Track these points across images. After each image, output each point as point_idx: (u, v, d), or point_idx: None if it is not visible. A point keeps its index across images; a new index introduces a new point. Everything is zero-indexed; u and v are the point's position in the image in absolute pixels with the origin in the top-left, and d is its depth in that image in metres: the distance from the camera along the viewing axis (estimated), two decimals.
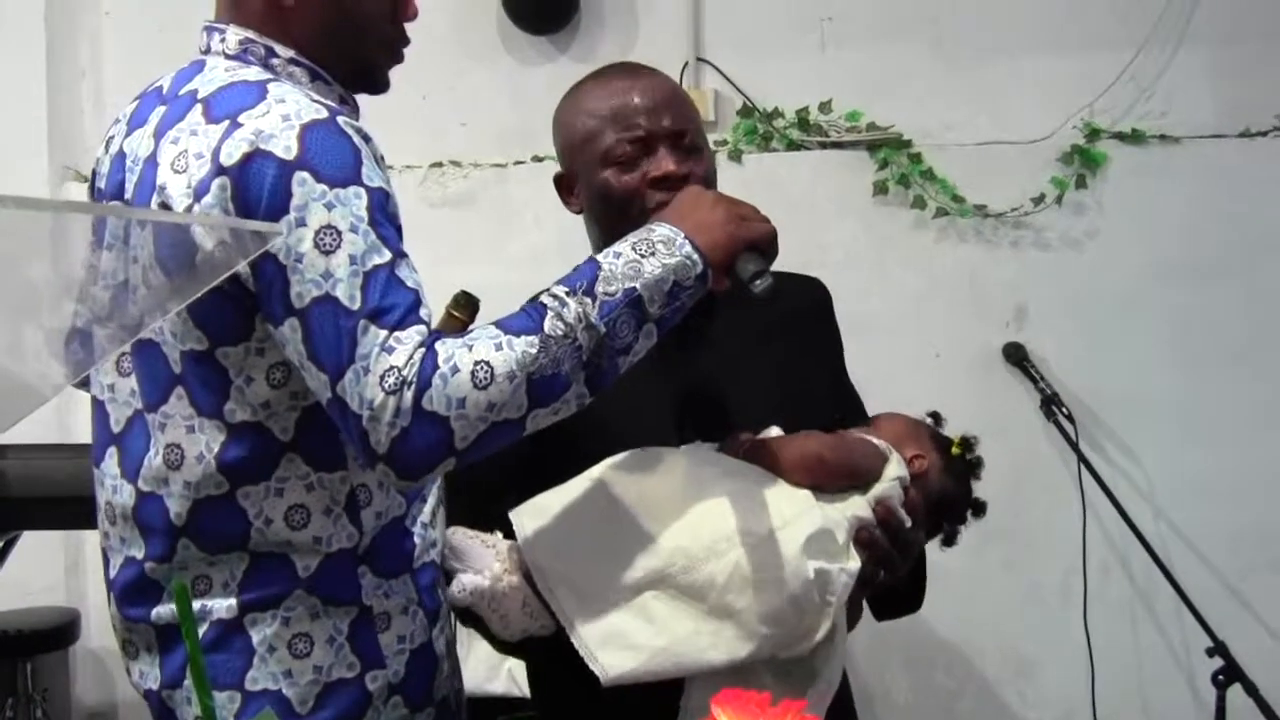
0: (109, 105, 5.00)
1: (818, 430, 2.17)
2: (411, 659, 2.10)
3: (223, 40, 2.09)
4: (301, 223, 1.84)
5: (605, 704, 2.02)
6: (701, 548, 1.96)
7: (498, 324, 1.85)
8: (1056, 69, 4.47)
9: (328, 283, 1.82)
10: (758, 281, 1.95)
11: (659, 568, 1.95)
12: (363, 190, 1.88)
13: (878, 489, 2.08)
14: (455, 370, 1.77)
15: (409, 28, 2.21)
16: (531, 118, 4.56)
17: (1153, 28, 4.39)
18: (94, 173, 2.18)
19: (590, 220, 2.27)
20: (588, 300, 1.85)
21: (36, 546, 4.28)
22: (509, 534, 2.06)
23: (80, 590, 4.98)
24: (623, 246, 1.92)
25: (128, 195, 2.03)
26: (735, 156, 4.58)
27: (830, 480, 2.06)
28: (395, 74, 2.26)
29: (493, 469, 2.19)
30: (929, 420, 2.29)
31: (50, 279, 1.27)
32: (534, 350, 1.80)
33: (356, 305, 1.81)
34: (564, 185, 2.34)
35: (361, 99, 2.24)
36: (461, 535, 2.03)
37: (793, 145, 4.63)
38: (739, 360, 2.29)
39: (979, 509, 2.27)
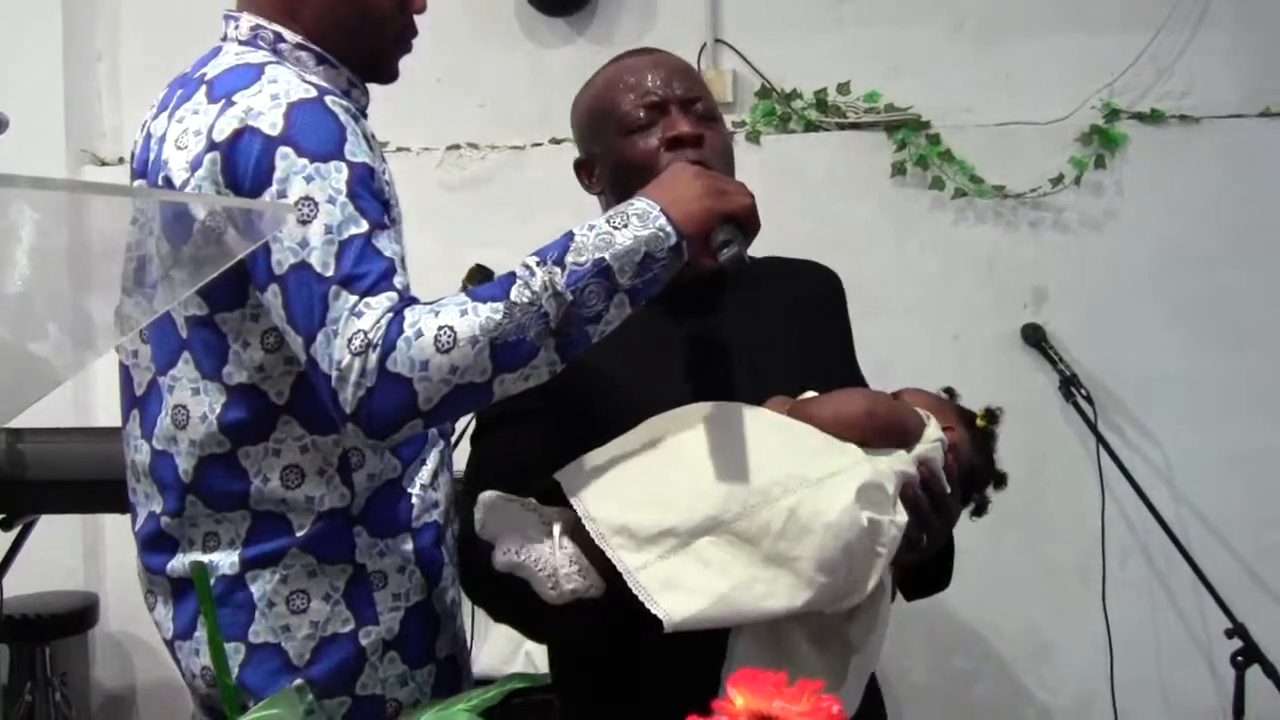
0: (126, 88, 5.03)
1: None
2: (407, 616, 2.18)
3: (237, 27, 2.20)
4: (283, 194, 1.93)
5: (629, 692, 2.02)
6: (755, 493, 1.95)
7: (468, 292, 1.91)
8: (1075, 49, 4.46)
9: (304, 250, 1.91)
10: (725, 251, 1.96)
11: (713, 514, 1.94)
12: (344, 165, 1.96)
13: (921, 449, 2.08)
14: (420, 334, 1.84)
15: (423, 15, 2.25)
16: (549, 100, 4.57)
17: (1172, 7, 4.38)
18: (132, 154, 2.26)
19: (611, 197, 2.28)
20: (556, 269, 1.89)
21: (55, 531, 4.29)
22: (545, 504, 2.05)
23: (99, 574, 4.99)
24: (599, 219, 1.96)
25: (148, 174, 2.14)
26: (754, 138, 4.57)
27: (876, 436, 2.06)
28: (414, 57, 2.30)
29: (515, 453, 2.19)
30: (945, 396, 2.29)
31: (65, 261, 1.28)
32: (498, 316, 1.86)
33: (330, 272, 1.90)
34: (584, 169, 2.37)
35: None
36: (499, 499, 2.01)
37: (811, 126, 4.63)
38: (758, 336, 2.29)
39: (1001, 480, 2.27)
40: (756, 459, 1.99)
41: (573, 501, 1.98)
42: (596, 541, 1.95)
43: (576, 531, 1.98)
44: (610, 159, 2.28)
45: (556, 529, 1.99)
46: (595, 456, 2.03)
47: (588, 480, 2.00)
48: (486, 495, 2.01)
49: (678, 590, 1.91)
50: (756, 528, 1.94)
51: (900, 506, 2.02)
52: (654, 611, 1.89)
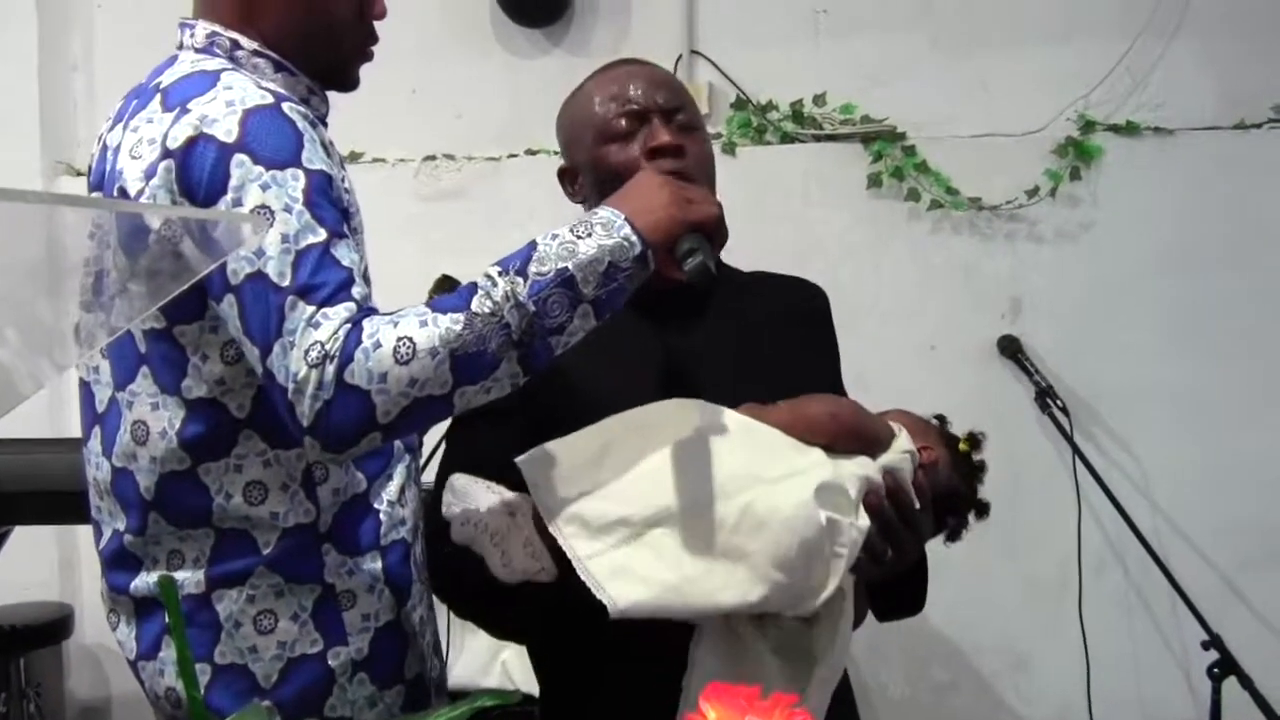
0: (101, 98, 5.01)
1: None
2: (377, 636, 2.14)
3: (192, 35, 2.16)
4: (238, 203, 1.89)
5: (609, 688, 2.02)
6: (712, 488, 1.94)
7: (429, 303, 1.87)
8: (1051, 61, 4.47)
9: (260, 260, 1.86)
10: (689, 261, 1.92)
11: (668, 505, 1.93)
12: (301, 172, 1.92)
13: (888, 458, 2.07)
14: (378, 345, 1.79)
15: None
16: (525, 111, 4.57)
17: (1148, 19, 4.39)
18: (89, 168, 2.22)
19: (593, 206, 2.26)
20: (519, 280, 1.85)
21: (30, 542, 4.28)
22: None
23: (74, 585, 4.98)
24: (562, 229, 1.92)
25: (104, 186, 2.09)
26: (729, 149, 4.57)
27: (840, 439, 2.05)
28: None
29: (487, 453, 2.18)
30: (935, 421, 2.28)
31: (34, 272, 1.27)
32: (458, 327, 1.81)
33: (286, 282, 1.85)
34: (567, 178, 2.34)
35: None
36: (464, 479, 2.01)
37: (787, 138, 4.63)
38: (738, 349, 2.29)
39: (982, 510, 2.26)
40: (716, 456, 1.98)
41: (530, 486, 1.97)
42: (549, 528, 1.94)
43: (536, 516, 1.97)
44: (591, 167, 2.26)
45: (517, 510, 1.99)
46: (557, 445, 2.02)
47: (546, 467, 1.99)
48: (454, 477, 2.01)
49: (627, 578, 1.89)
50: (711, 521, 1.93)
51: (863, 512, 2.01)
52: (600, 598, 1.88)
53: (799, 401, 2.12)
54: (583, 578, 1.90)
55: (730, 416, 2.06)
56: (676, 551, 1.92)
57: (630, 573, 1.90)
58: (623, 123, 2.22)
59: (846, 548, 1.98)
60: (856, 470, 2.03)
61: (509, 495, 2.01)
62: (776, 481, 1.96)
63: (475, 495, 2.01)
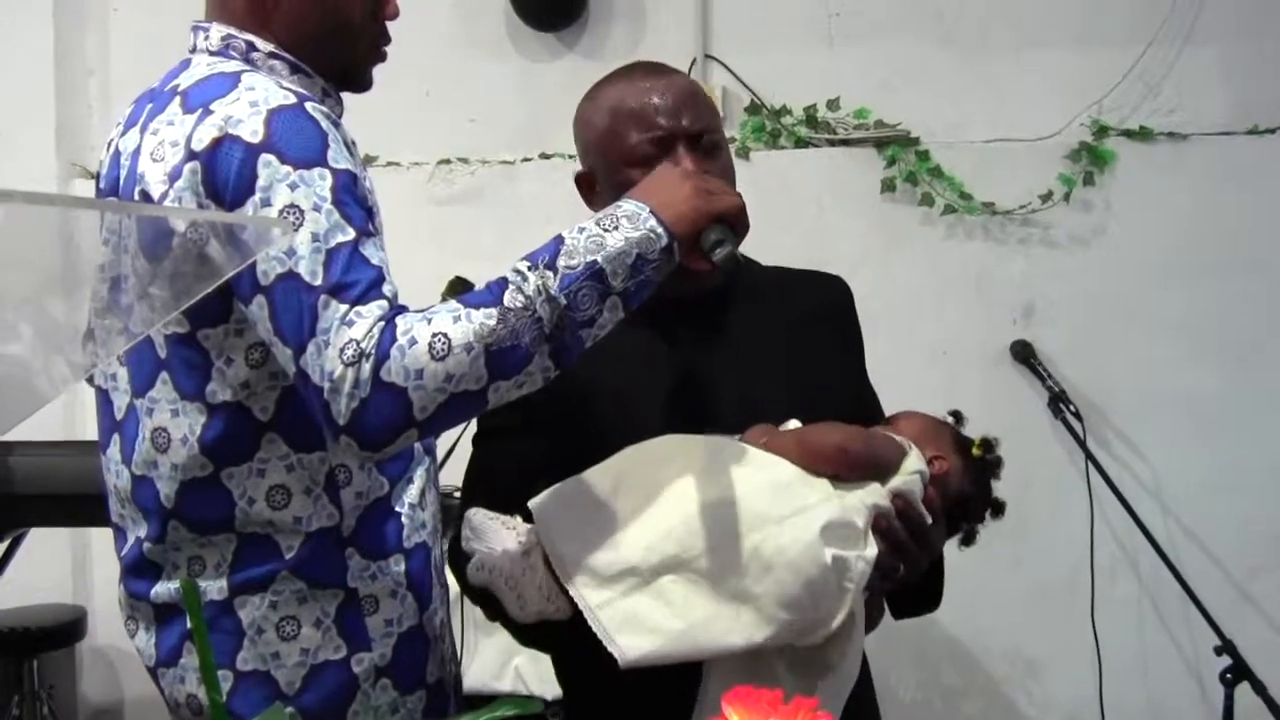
0: (116, 103, 5.01)
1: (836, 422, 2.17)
2: (400, 642, 2.14)
3: (206, 38, 2.15)
4: (267, 203, 1.88)
5: (629, 695, 2.02)
6: (719, 531, 1.95)
7: (460, 299, 1.86)
8: (1064, 66, 4.47)
9: (291, 260, 1.86)
10: (718, 250, 1.94)
11: (676, 552, 1.94)
12: (328, 171, 1.92)
13: (896, 481, 2.07)
14: (413, 342, 1.79)
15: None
16: (539, 114, 4.57)
17: (1161, 24, 4.39)
18: (97, 174, 2.22)
19: None
20: (549, 274, 1.85)
21: (43, 544, 4.28)
22: (530, 522, 2.06)
23: (86, 588, 4.99)
24: (588, 222, 1.93)
25: (121, 190, 2.08)
26: (743, 154, 4.57)
27: (850, 470, 2.05)
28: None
29: (510, 466, 2.19)
30: (950, 420, 2.28)
31: (55, 276, 1.27)
32: (492, 322, 1.81)
33: (318, 281, 1.85)
34: (585, 183, 2.33)
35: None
36: (481, 515, 2.02)
37: (801, 143, 4.63)
38: (756, 355, 2.28)
39: (998, 509, 2.26)
40: (723, 496, 1.98)
41: (541, 537, 1.99)
42: (561, 579, 1.95)
43: (548, 558, 1.99)
44: (615, 186, 2.21)
45: (531, 554, 2.00)
46: (567, 488, 2.03)
47: (557, 514, 2.00)
48: (472, 512, 2.02)
49: (637, 629, 1.91)
50: (719, 565, 1.94)
51: (871, 539, 2.01)
52: (610, 649, 1.90)
53: (808, 431, 2.11)
54: (593, 627, 1.92)
55: (738, 450, 2.06)
56: (685, 598, 1.94)
57: (640, 622, 1.92)
58: (649, 148, 2.19)
59: (854, 581, 1.98)
60: (865, 498, 2.02)
61: (524, 533, 2.02)
62: (783, 521, 1.96)
63: (492, 534, 2.02)
